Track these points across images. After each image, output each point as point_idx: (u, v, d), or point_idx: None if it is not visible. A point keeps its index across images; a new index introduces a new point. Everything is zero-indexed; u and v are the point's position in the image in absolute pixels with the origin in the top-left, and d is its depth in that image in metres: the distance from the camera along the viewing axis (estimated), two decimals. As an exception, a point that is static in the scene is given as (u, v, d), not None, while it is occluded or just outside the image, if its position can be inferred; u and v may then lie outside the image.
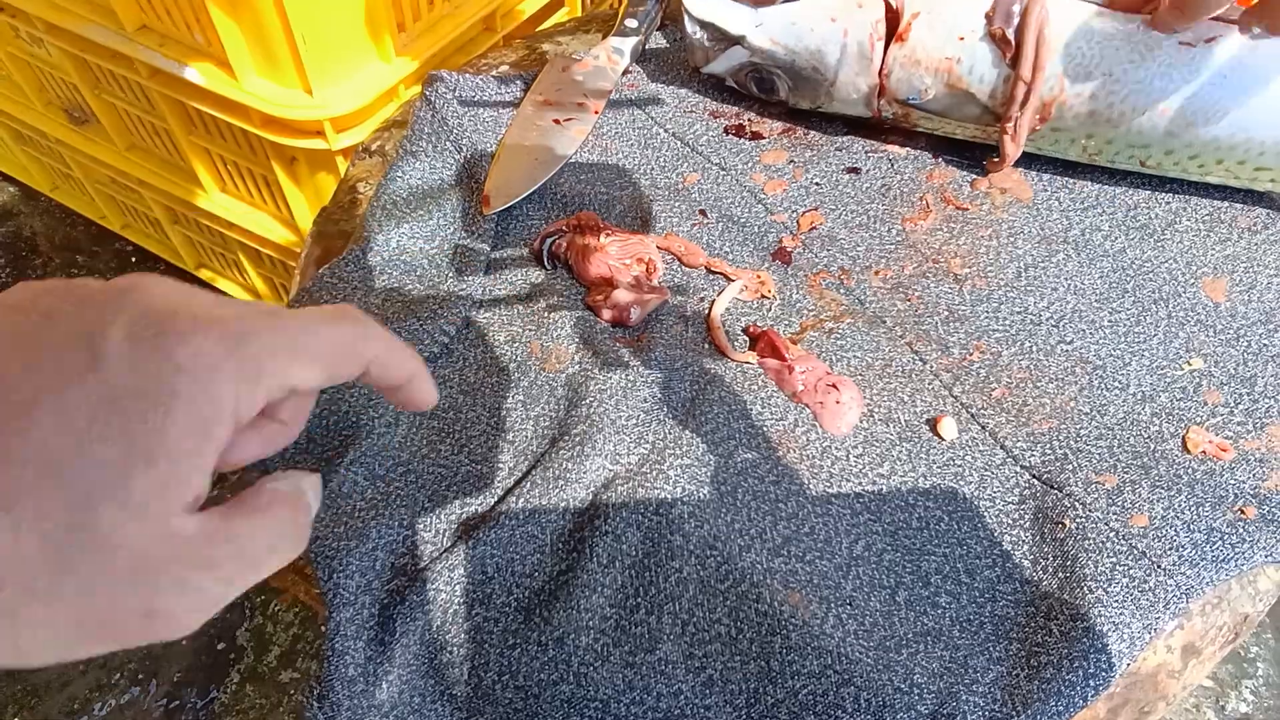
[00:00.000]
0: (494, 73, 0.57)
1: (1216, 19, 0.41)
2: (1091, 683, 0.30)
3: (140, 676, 0.71)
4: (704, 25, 0.50)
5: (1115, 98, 0.42)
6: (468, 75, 0.55)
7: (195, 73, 0.64)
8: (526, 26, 0.79)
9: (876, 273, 0.44)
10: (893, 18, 0.46)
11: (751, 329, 0.42)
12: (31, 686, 0.70)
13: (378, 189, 0.50)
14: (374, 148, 0.55)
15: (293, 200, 0.73)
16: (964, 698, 0.30)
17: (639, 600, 0.33)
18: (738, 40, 0.50)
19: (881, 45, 0.46)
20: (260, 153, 0.71)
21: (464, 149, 0.50)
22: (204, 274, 0.99)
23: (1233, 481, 0.36)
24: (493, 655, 0.34)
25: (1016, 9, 0.42)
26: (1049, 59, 0.42)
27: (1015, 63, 0.43)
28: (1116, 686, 0.33)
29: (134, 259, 1.04)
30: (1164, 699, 0.34)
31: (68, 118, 0.89)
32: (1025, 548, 0.34)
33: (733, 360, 0.41)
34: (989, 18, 0.43)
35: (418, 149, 0.51)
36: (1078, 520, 0.34)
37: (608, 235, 0.45)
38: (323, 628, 0.35)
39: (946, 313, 0.42)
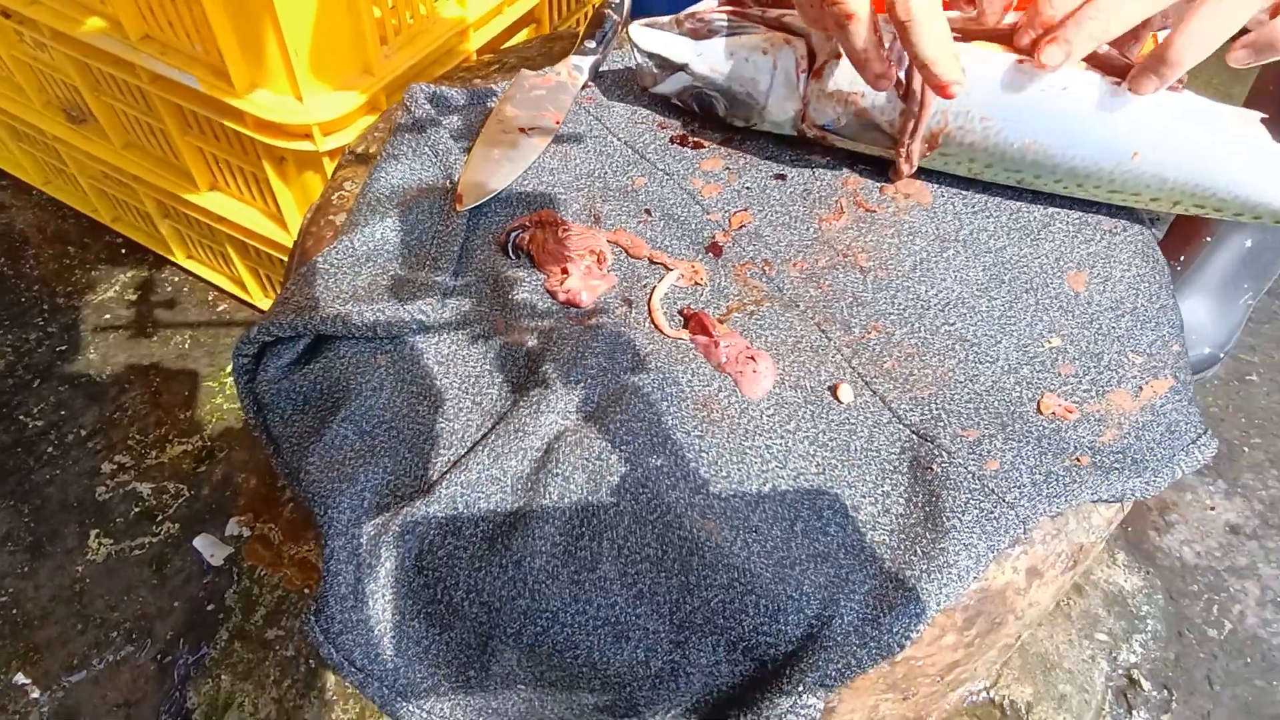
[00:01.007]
0: (468, 85, 0.64)
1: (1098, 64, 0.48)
2: (944, 591, 0.38)
3: (135, 635, 0.77)
4: (650, 55, 0.57)
5: (990, 133, 0.50)
6: (444, 87, 0.62)
7: (194, 79, 0.71)
8: (498, 41, 0.86)
9: (794, 265, 0.51)
10: (813, 54, 0.53)
11: (685, 310, 0.49)
12: (34, 644, 0.75)
13: (363, 187, 0.56)
14: (359, 151, 0.62)
15: (281, 197, 0.79)
16: (842, 603, 0.38)
17: (583, 529, 0.40)
18: (681, 67, 0.57)
19: (805, 77, 0.54)
20: (252, 153, 0.77)
21: (439, 153, 0.57)
22: (191, 264, 1.04)
23: (1074, 436, 0.43)
24: (461, 576, 0.41)
25: (906, 55, 0.50)
26: (932, 98, 0.49)
27: (906, 100, 0.50)
28: (970, 599, 0.40)
29: (124, 250, 1.10)
30: (1012, 612, 0.42)
31: (66, 116, 0.94)
32: (901, 489, 0.42)
33: (668, 336, 0.48)
34: (890, 48, 0.51)
35: (399, 152, 0.57)
36: (943, 465, 0.41)
37: (565, 230, 0.52)
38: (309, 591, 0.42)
39: (851, 299, 0.50)
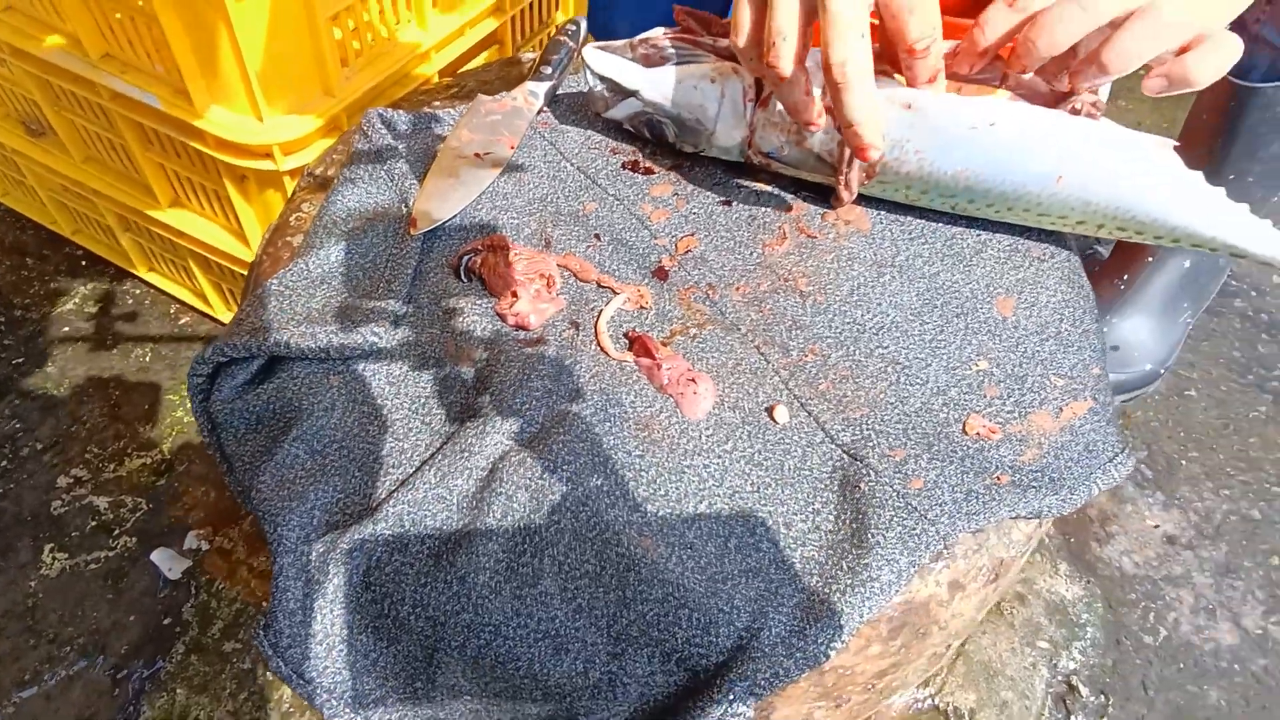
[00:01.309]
0: (426, 109, 0.65)
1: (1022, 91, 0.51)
2: (867, 604, 0.40)
3: (89, 650, 0.77)
4: (603, 79, 0.59)
5: (924, 164, 0.53)
6: (401, 111, 0.63)
7: (154, 99, 0.71)
8: (460, 62, 0.87)
9: (737, 289, 0.53)
10: (760, 84, 0.56)
11: (630, 333, 0.51)
12: (-13, 659, 0.75)
13: (320, 210, 0.58)
14: (318, 173, 0.63)
15: (242, 213, 0.80)
16: (771, 616, 0.40)
17: (525, 546, 0.42)
18: (633, 93, 0.59)
19: (752, 106, 0.56)
20: (213, 170, 0.78)
21: (395, 177, 0.58)
22: (153, 277, 1.05)
23: (996, 456, 0.46)
24: (408, 592, 0.42)
25: None
26: None
27: (843, 132, 0.52)
28: (894, 611, 0.42)
29: (84, 262, 1.10)
30: (935, 623, 0.44)
31: (25, 129, 0.94)
32: (831, 506, 0.44)
33: (613, 359, 0.50)
34: (824, 94, 0.53)
35: (356, 176, 0.59)
36: (870, 484, 0.43)
37: (516, 254, 0.54)
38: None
39: (790, 322, 0.52)
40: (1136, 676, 0.79)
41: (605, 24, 1.19)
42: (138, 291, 1.07)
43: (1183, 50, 0.49)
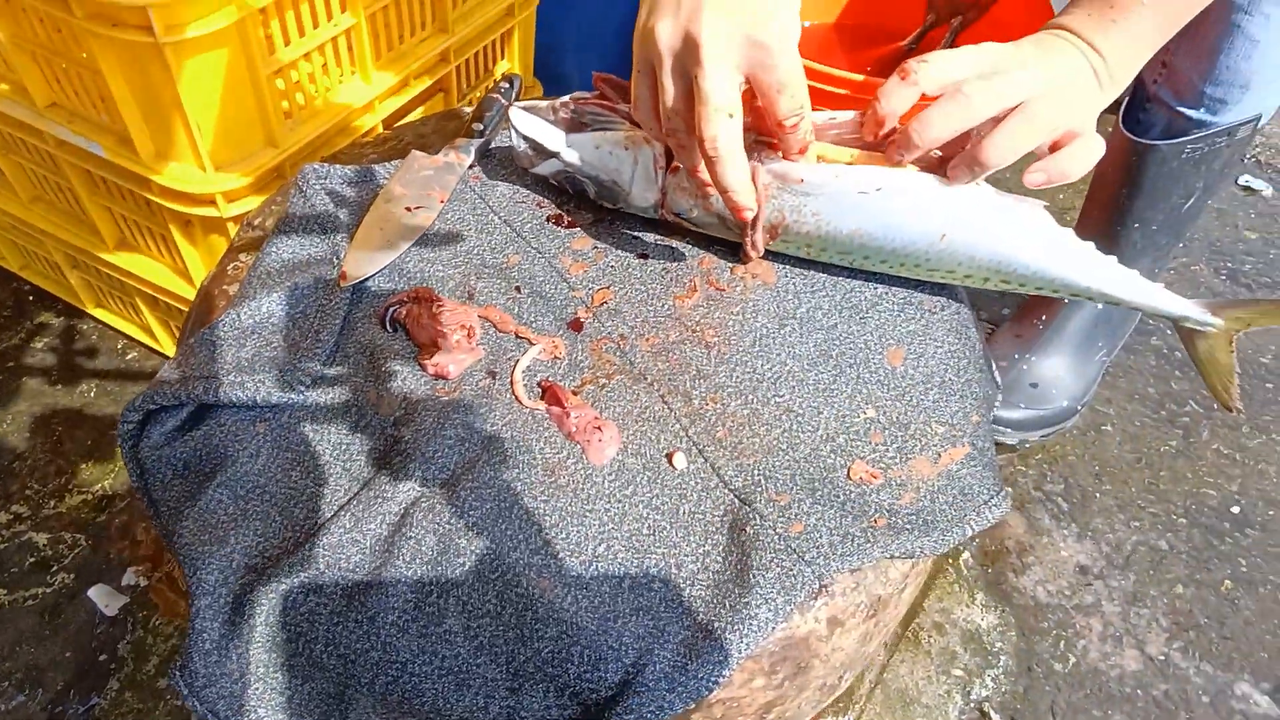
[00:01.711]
0: (361, 163, 0.68)
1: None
2: (745, 641, 0.43)
3: (25, 685, 0.78)
4: (527, 139, 0.63)
5: (821, 225, 0.57)
6: (337, 166, 0.66)
7: (99, 147, 0.74)
8: (406, 110, 0.91)
9: (647, 340, 0.57)
10: (669, 152, 0.59)
11: (543, 383, 0.54)
12: (-79, 696, 0.76)
13: (255, 261, 0.60)
14: (256, 223, 0.66)
15: (187, 256, 0.82)
16: (656, 652, 0.43)
17: (432, 587, 0.44)
18: (554, 154, 0.62)
19: (662, 172, 0.60)
20: (158, 215, 0.80)
21: (328, 230, 0.61)
22: (100, 313, 1.06)
23: (876, 500, 0.49)
24: (321, 631, 0.44)
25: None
26: (768, 198, 0.56)
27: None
28: (775, 646, 0.45)
29: (31, 298, 1.11)
30: (816, 657, 0.47)
31: (-27, 170, 0.96)
32: (720, 548, 0.47)
33: (526, 407, 0.53)
34: None
35: (289, 229, 0.61)
36: (755, 527, 0.47)
37: (439, 306, 0.57)
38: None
39: (695, 372, 0.55)
40: (1045, 702, 0.83)
41: (552, 67, 1.23)
42: (85, 327, 1.08)
43: (1055, 146, 0.55)
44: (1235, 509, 0.99)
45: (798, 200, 0.56)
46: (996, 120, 0.53)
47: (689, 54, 0.50)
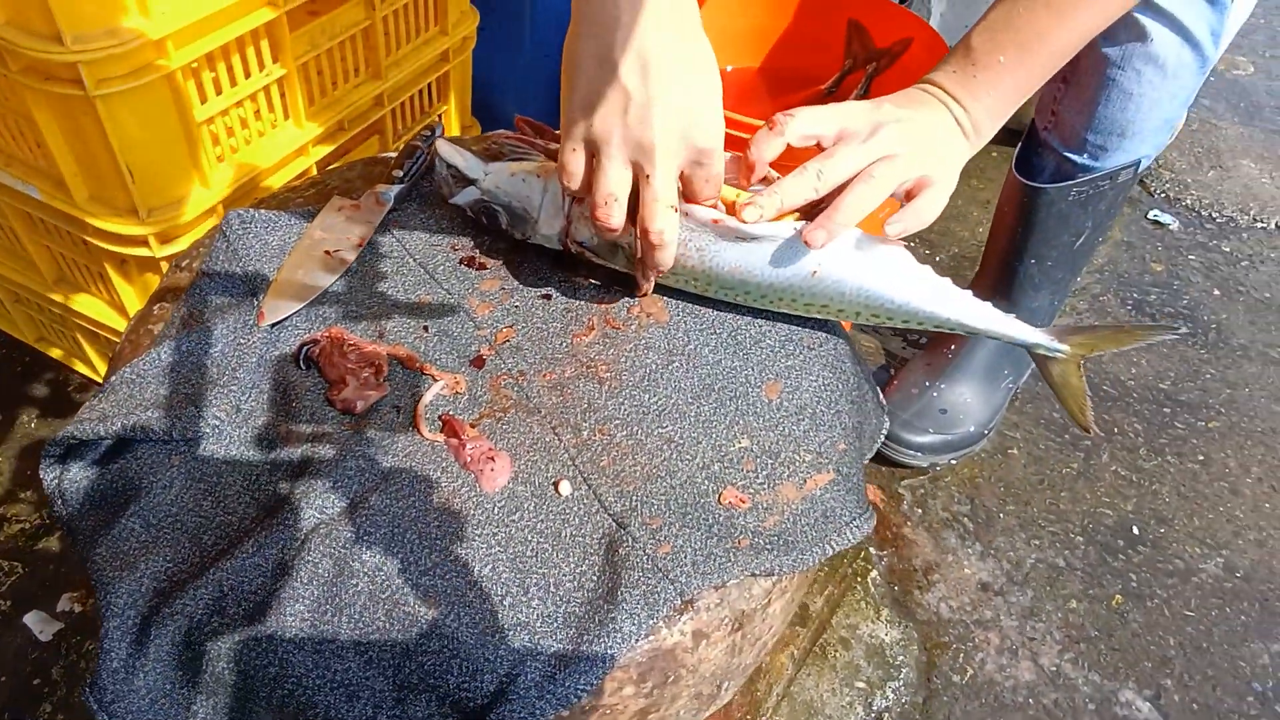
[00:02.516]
0: (286, 208, 0.72)
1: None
2: (610, 653, 0.47)
3: (-41, 711, 0.80)
4: (449, 167, 0.68)
5: (706, 261, 0.62)
6: (261, 211, 0.70)
7: (36, 190, 0.77)
8: (339, 153, 0.95)
9: (544, 375, 0.62)
10: None
11: (444, 416, 0.58)
12: None
13: (178, 302, 0.64)
14: (184, 265, 0.70)
15: (123, 293, 0.86)
16: (529, 663, 0.47)
17: (326, 607, 0.48)
18: (473, 181, 0.67)
19: (569, 201, 0.65)
20: (95, 254, 0.83)
21: (249, 273, 0.65)
22: (42, 346, 1.09)
23: (742, 523, 0.54)
24: (223, 649, 0.48)
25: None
26: None
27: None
28: (643, 658, 0.50)
29: (-24, 330, 1.13)
30: (684, 667, 0.52)
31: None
32: (596, 568, 0.51)
33: (426, 439, 0.57)
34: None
35: (213, 271, 0.65)
36: (627, 549, 0.51)
37: (350, 345, 0.61)
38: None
39: (586, 405, 0.60)
40: (943, 713, 0.88)
41: (493, 107, 1.28)
42: (27, 358, 1.11)
43: (910, 194, 0.61)
44: (1130, 527, 1.06)
45: (684, 235, 0.62)
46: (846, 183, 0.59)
47: (641, 153, 0.55)
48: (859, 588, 0.96)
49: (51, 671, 0.82)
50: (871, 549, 1.01)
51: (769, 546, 0.53)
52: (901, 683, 0.89)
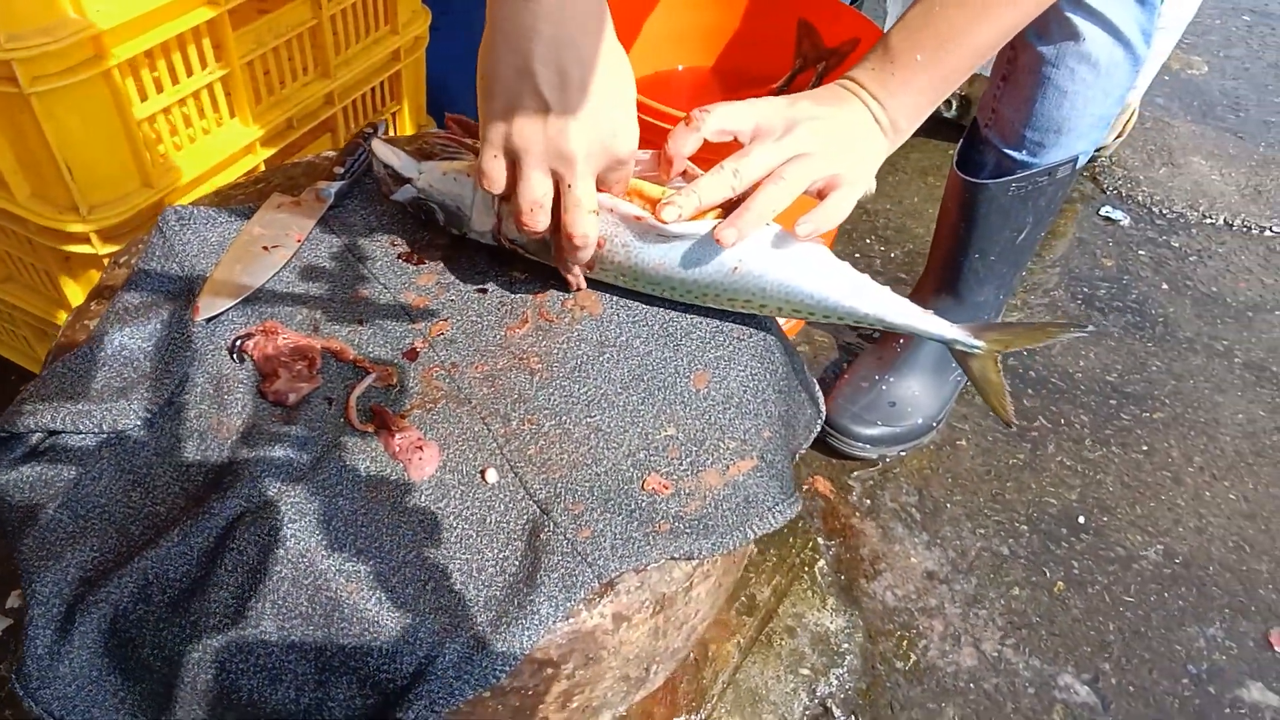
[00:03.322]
0: (228, 204, 0.73)
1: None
2: (527, 635, 0.48)
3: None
4: (386, 166, 0.69)
5: (630, 258, 0.63)
6: (200, 208, 0.71)
7: (-23, 188, 0.78)
8: (290, 151, 0.96)
9: (477, 367, 0.63)
10: None
11: (375, 407, 0.59)
12: None
13: (115, 297, 0.65)
14: (122, 261, 0.70)
15: (68, 289, 0.86)
16: (448, 645, 0.48)
17: (249, 592, 0.49)
18: (408, 180, 0.68)
19: (498, 199, 0.66)
20: (39, 251, 0.84)
21: (186, 268, 0.66)
22: (-5, 345, 1.08)
23: (664, 508, 0.55)
24: (148, 636, 0.49)
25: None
26: None
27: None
28: (562, 640, 0.51)
29: (-72, 330, 1.12)
30: (605, 649, 0.53)
31: None
32: (519, 553, 0.53)
33: (357, 430, 0.58)
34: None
35: (149, 268, 0.66)
36: (548, 534, 0.53)
37: (284, 338, 0.62)
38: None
39: (516, 395, 0.61)
40: (885, 698, 0.90)
41: (448, 105, 1.29)
42: (-19, 358, 1.10)
43: (823, 193, 0.62)
44: (1074, 516, 1.08)
45: (610, 232, 0.63)
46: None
47: (562, 163, 0.57)
48: (806, 577, 0.98)
49: (0, 667, 0.83)
50: (820, 539, 1.02)
51: (689, 530, 0.54)
52: (845, 669, 0.91)
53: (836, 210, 0.62)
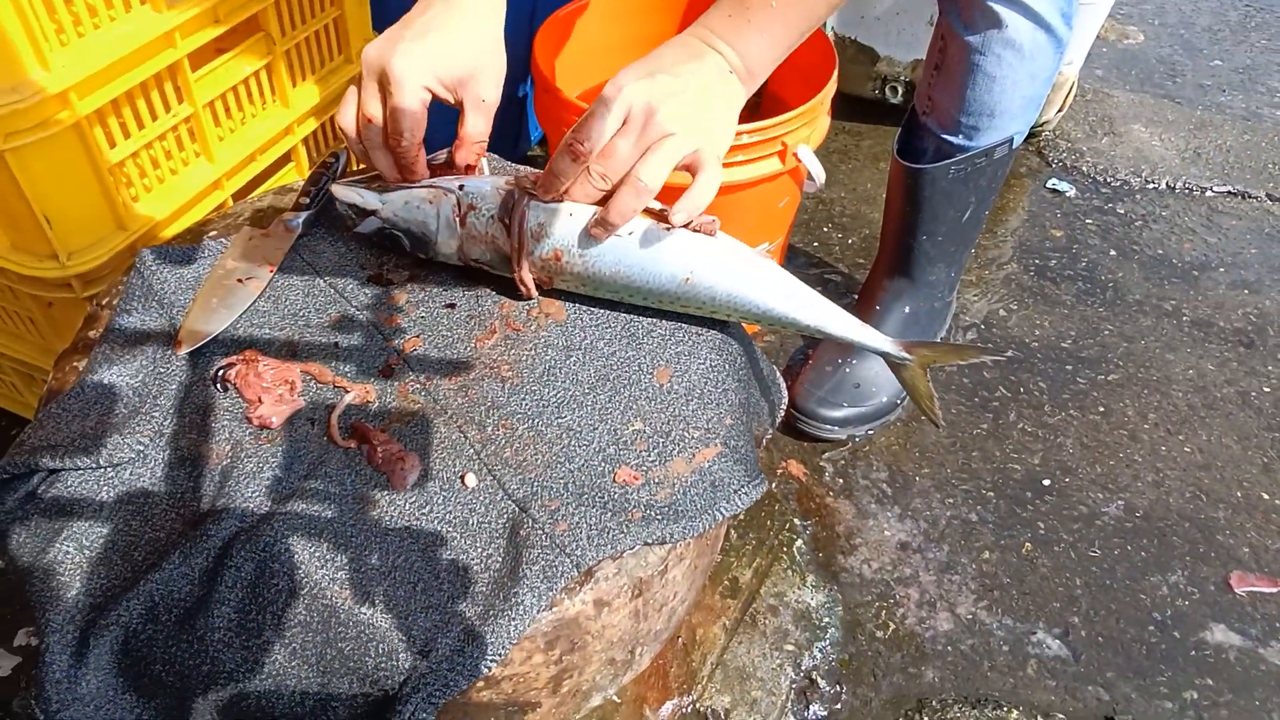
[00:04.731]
0: (199, 240, 0.76)
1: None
2: (513, 625, 0.52)
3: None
4: (349, 205, 0.72)
5: (588, 265, 0.67)
6: (174, 247, 0.74)
7: (-43, 242, 0.80)
8: (257, 183, 0.99)
9: (450, 379, 0.66)
10: (460, 205, 0.69)
11: (356, 424, 0.63)
12: None
13: (100, 337, 0.68)
14: (105, 303, 0.73)
15: (53, 334, 0.89)
16: (440, 640, 0.52)
17: (251, 606, 0.53)
18: (372, 212, 0.72)
19: (459, 220, 0.69)
20: (22, 298, 0.86)
21: (165, 305, 0.69)
22: (-19, 394, 1.11)
23: (635, 498, 0.59)
24: (158, 654, 0.52)
25: (511, 206, 0.67)
26: (533, 240, 0.66)
27: (509, 239, 0.67)
28: (548, 628, 0.55)
29: (-88, 384, 1.14)
30: (589, 634, 0.57)
31: None
32: (501, 550, 0.56)
33: (340, 446, 0.61)
34: (500, 209, 0.67)
35: (130, 308, 0.69)
36: (528, 529, 0.56)
37: (265, 365, 0.65)
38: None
39: (489, 403, 0.65)
40: (868, 666, 0.94)
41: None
42: (-33, 407, 1.13)
43: (690, 168, 0.65)
44: (1038, 479, 1.13)
45: (567, 242, 0.67)
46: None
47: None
48: (785, 557, 1.02)
49: (11, 704, 0.85)
50: (796, 520, 1.06)
51: (660, 517, 0.58)
52: (828, 642, 0.95)
53: (702, 193, 0.64)
